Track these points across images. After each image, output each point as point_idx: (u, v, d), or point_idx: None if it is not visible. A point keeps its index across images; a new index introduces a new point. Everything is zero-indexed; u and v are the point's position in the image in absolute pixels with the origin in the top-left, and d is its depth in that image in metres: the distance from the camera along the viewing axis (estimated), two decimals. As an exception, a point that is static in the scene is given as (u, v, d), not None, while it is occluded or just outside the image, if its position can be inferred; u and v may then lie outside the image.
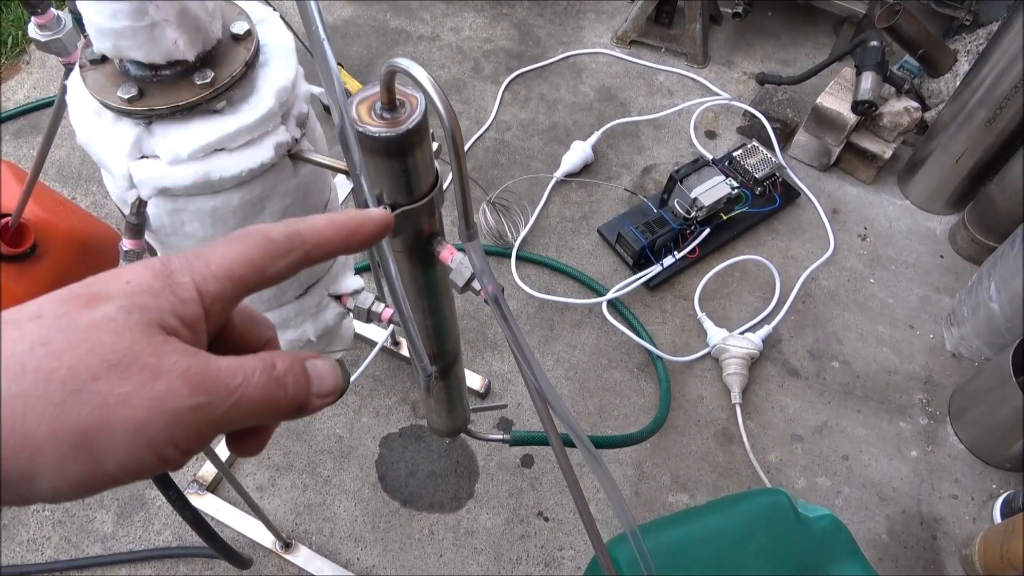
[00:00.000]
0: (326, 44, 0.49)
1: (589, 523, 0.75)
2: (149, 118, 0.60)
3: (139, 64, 0.60)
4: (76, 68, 0.62)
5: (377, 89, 0.56)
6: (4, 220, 1.22)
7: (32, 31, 0.81)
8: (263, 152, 0.63)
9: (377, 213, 0.34)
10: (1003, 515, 1.40)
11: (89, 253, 1.37)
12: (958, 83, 1.72)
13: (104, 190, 1.62)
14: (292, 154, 0.67)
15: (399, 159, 0.58)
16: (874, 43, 1.73)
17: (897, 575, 1.37)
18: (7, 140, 1.90)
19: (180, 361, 0.26)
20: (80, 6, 0.56)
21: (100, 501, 1.38)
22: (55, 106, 0.80)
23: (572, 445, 0.70)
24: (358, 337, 1.54)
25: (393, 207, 0.61)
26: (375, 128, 0.55)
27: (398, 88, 0.57)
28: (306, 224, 0.31)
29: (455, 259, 0.67)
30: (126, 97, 0.59)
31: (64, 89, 0.65)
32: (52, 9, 0.83)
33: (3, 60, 2.06)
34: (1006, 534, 1.29)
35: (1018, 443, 1.41)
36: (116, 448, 0.24)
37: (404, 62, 0.51)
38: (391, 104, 0.55)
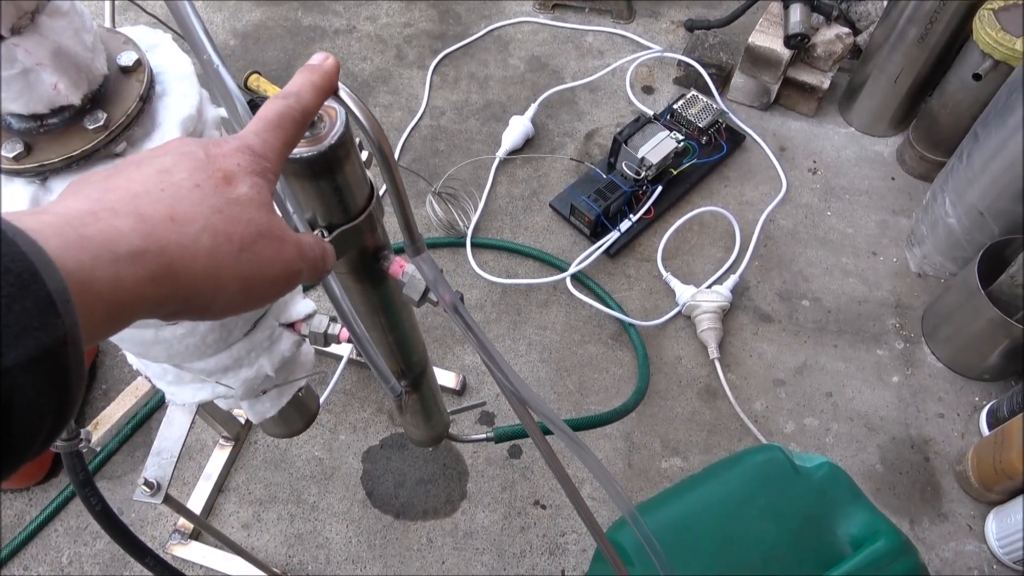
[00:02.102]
0: (222, 70, 0.44)
1: (587, 517, 0.72)
2: (42, 174, 0.54)
3: (20, 116, 0.53)
4: (-49, 130, 0.55)
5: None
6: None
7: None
8: (177, 191, 0.57)
9: (317, 57, 0.42)
10: (989, 426, 1.42)
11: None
12: (886, 3, 1.71)
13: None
14: (211, 187, 0.62)
15: (327, 178, 0.53)
16: (797, -26, 1.70)
17: (896, 503, 1.37)
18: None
19: (291, 234, 0.36)
20: (-61, 60, 0.49)
21: (80, 568, 1.32)
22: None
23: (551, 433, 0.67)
24: (323, 353, 1.49)
25: (329, 229, 0.56)
26: (295, 148, 0.50)
27: (312, 102, 0.51)
28: (305, 95, 0.40)
29: (406, 272, 0.62)
30: (12, 156, 0.52)
31: (-57, 154, 0.58)
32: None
33: None
34: (996, 445, 1.30)
35: (994, 353, 1.42)
36: (263, 289, 0.35)
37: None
38: (308, 121, 0.50)
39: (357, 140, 0.55)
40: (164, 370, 0.79)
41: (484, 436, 1.12)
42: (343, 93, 0.45)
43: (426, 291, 0.61)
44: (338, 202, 0.55)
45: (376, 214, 0.60)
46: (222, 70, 0.44)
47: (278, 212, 0.38)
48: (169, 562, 0.98)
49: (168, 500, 0.83)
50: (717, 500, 0.95)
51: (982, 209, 1.44)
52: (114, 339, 0.73)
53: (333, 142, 0.50)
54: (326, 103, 0.52)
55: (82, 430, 0.69)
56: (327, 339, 0.84)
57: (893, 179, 1.79)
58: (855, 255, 1.67)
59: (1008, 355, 1.40)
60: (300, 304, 0.86)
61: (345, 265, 0.63)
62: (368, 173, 0.60)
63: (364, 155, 0.59)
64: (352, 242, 0.59)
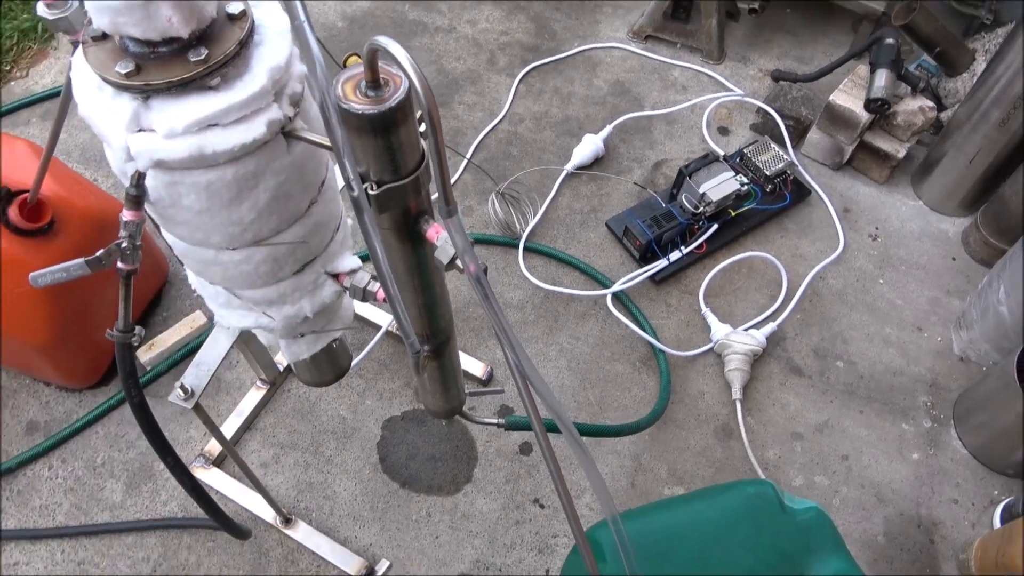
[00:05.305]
0: (307, 25, 0.51)
1: (570, 510, 0.76)
2: (146, 92, 0.63)
3: (137, 41, 0.62)
4: (80, 45, 0.65)
5: (363, 68, 0.58)
6: (23, 196, 1.26)
7: (40, 9, 0.83)
8: (255, 128, 0.65)
9: None
10: (1003, 521, 1.39)
11: (105, 230, 1.40)
12: (974, 82, 1.70)
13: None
14: (285, 132, 0.69)
15: (383, 136, 0.59)
16: (889, 40, 1.72)
17: (888, 574, 1.36)
18: (35, 122, 1.95)
19: None
20: (81, -17, 0.58)
21: (111, 471, 1.42)
22: (65, 83, 0.83)
23: (559, 431, 0.71)
24: (365, 321, 1.57)
25: (379, 184, 0.63)
26: (359, 105, 0.57)
27: (383, 68, 0.58)
28: None
29: (441, 237, 0.68)
30: (124, 72, 0.61)
31: (70, 66, 0.68)
32: (60, -12, 0.85)
33: (33, 46, 2.11)
34: (1003, 539, 1.28)
35: (1022, 449, 1.40)
36: None
37: (384, 40, 0.53)
38: (375, 82, 0.57)
39: (418, 114, 0.62)
40: (217, 292, 0.87)
41: (495, 421, 1.18)
42: (403, 59, 0.51)
43: (455, 257, 0.67)
44: (390, 160, 0.62)
45: (423, 179, 0.66)
46: (306, 25, 0.51)
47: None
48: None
49: (198, 409, 0.91)
50: (702, 521, 0.98)
51: (1035, 302, 1.43)
52: (178, 253, 0.81)
53: (394, 104, 0.57)
54: (394, 71, 0.59)
55: (136, 327, 0.78)
56: (365, 295, 0.91)
57: (954, 259, 1.77)
58: (900, 327, 1.66)
59: (1035, 452, 1.38)
60: (347, 259, 0.93)
61: (389, 222, 0.70)
62: (422, 142, 0.66)
63: (422, 128, 0.66)
64: (397, 200, 0.66)
